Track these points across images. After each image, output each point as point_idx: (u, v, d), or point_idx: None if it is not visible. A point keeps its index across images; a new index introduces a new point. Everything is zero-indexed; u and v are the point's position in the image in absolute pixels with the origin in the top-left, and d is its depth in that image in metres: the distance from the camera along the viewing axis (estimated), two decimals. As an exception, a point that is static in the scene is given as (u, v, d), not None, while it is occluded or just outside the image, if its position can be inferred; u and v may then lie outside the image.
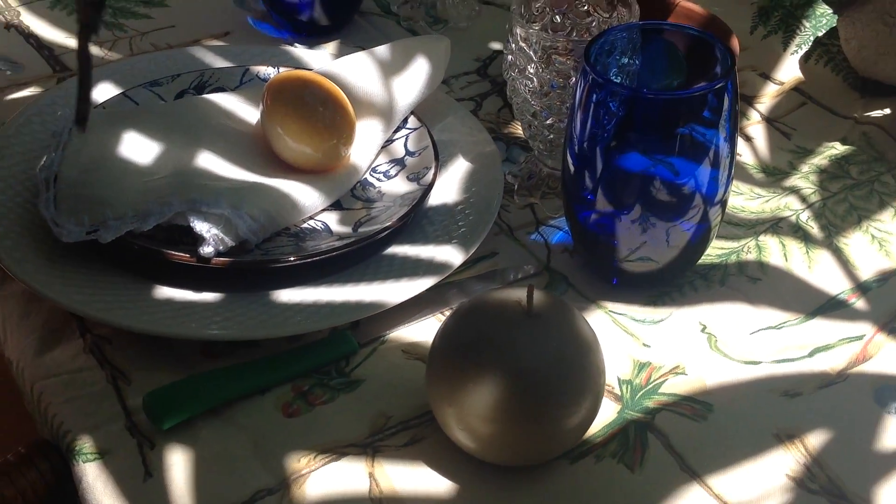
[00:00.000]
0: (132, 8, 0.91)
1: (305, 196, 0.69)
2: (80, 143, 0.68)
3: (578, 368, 0.55)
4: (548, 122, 0.71)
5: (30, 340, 0.64)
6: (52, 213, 0.64)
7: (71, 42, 0.87)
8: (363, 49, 0.87)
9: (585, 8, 0.74)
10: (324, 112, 0.71)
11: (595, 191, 0.65)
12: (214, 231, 0.63)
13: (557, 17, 0.74)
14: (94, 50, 0.87)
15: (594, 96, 0.64)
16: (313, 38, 0.89)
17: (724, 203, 0.66)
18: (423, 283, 0.65)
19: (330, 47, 0.88)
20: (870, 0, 0.81)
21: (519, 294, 0.56)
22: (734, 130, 0.64)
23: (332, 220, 0.70)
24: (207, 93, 0.77)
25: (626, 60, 0.69)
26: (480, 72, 0.87)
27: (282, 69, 0.79)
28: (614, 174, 0.66)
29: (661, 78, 0.78)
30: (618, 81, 0.67)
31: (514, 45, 0.70)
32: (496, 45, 0.90)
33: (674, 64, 0.77)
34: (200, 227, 0.63)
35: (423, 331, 0.64)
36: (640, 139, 0.65)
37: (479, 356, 0.54)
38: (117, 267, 0.65)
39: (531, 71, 0.70)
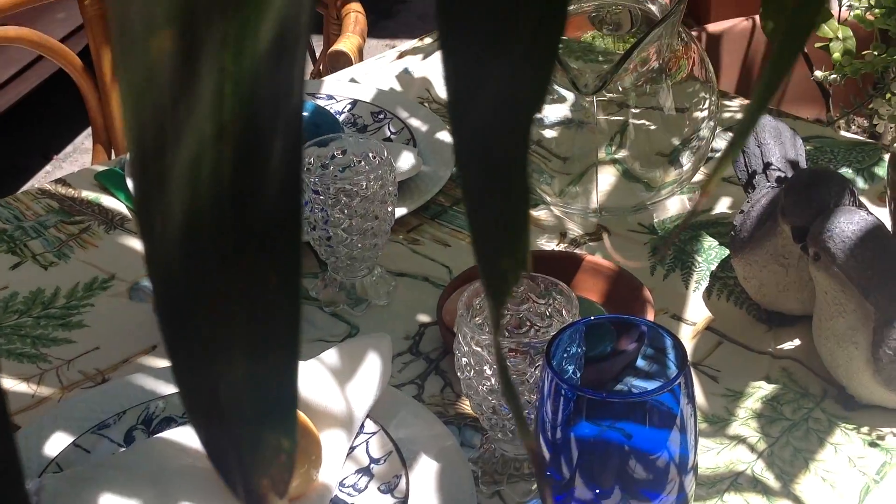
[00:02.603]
0: (51, 334, 0.89)
1: (287, 531, 0.68)
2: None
3: None
4: (509, 415, 0.74)
5: None
6: None
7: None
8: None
9: (522, 295, 0.77)
10: (290, 439, 0.71)
11: (573, 475, 0.68)
12: None
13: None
14: (22, 387, 0.85)
15: (561, 390, 0.67)
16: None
17: (695, 468, 0.69)
18: None
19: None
20: (762, 244, 0.88)
21: None
22: (692, 394, 0.68)
23: (315, 550, 0.70)
24: (157, 425, 0.76)
25: (574, 350, 0.73)
26: (413, 350, 0.89)
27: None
28: (590, 455, 0.68)
29: (595, 345, 0.82)
30: (575, 379, 0.71)
31: (466, 348, 0.73)
32: (423, 318, 0.92)
33: (604, 333, 0.82)
34: None
35: None
36: (610, 422, 0.68)
37: None
38: None
39: (488, 372, 0.72)
